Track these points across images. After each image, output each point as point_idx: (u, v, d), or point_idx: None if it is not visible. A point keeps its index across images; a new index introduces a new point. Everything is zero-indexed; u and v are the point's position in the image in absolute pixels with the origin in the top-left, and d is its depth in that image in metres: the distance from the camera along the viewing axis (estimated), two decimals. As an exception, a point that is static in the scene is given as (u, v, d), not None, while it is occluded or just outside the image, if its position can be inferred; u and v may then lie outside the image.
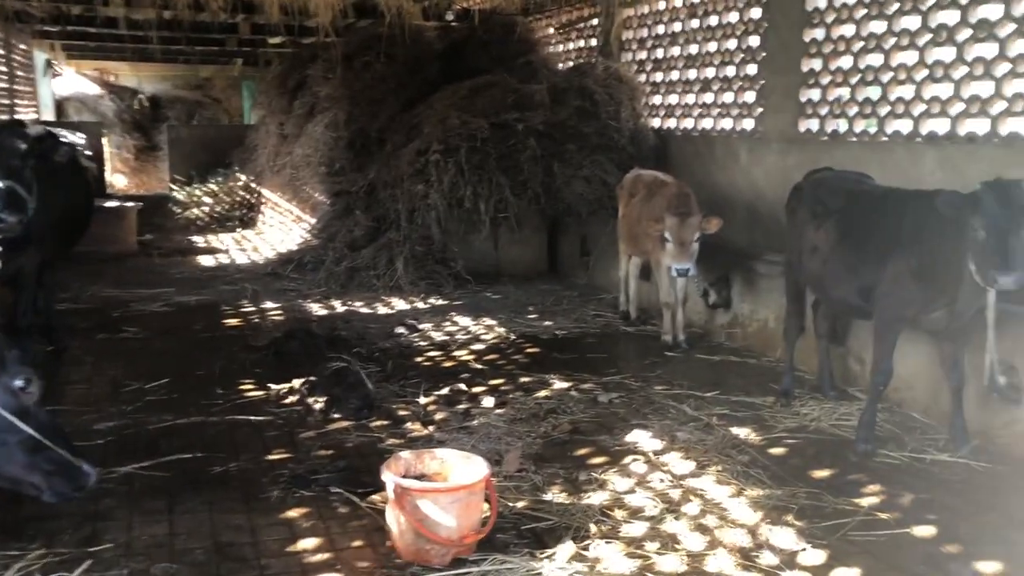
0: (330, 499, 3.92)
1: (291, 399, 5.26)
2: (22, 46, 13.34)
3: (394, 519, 3.35)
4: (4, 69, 11.89)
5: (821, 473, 4.21)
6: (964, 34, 5.46)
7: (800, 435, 4.69)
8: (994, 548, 3.44)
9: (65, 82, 18.14)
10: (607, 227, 8.14)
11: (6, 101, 11.82)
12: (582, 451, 4.50)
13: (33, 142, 5.10)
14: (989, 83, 5.32)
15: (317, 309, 7.77)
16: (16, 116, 11.57)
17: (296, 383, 5.39)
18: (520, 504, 3.88)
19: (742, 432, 4.70)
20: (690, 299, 6.64)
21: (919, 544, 3.49)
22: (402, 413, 5.05)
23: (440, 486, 3.33)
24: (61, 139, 5.97)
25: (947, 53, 5.59)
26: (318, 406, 5.11)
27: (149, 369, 5.77)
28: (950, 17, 5.58)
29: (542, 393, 5.38)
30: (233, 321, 7.36)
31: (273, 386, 5.45)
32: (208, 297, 8.22)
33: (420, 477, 3.56)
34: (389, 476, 3.34)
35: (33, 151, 5.05)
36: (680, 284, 6.36)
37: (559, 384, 5.55)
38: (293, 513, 3.78)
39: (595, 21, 10.10)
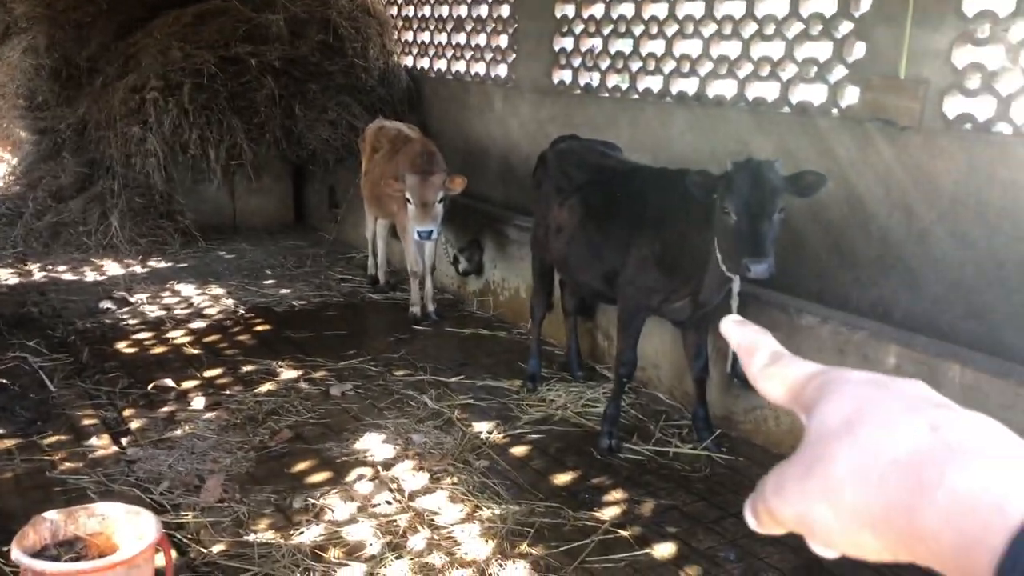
0: (-36, 564, 3.09)
1: (-57, 411, 4.26)
2: None
3: (30, 609, 2.61)
4: None
5: (563, 478, 3.88)
6: (714, -11, 5.20)
7: (544, 427, 4.34)
8: (733, 566, 3.25)
9: None
10: (357, 177, 7.43)
11: None
12: (302, 466, 3.91)
13: None
14: (736, 43, 5.11)
15: (7, 277, 6.55)
16: None
17: (-50, 389, 4.39)
18: (216, 548, 3.25)
19: (484, 428, 4.29)
20: (440, 265, 6.14)
21: (657, 568, 3.23)
22: (88, 423, 4.21)
23: (85, 567, 2.62)
24: None
25: (697, 8, 5.33)
26: (-25, 421, 4.15)
27: None
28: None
29: (265, 387, 4.70)
30: None
31: (-79, 392, 4.41)
32: None
33: (74, 542, 2.83)
34: (18, 554, 2.59)
35: None
36: (427, 249, 5.83)
37: (287, 373, 4.89)
38: (-94, 593, 2.93)
39: (343, -57, 9.13)
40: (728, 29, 5.13)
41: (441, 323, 5.83)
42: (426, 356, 5.22)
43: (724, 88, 5.24)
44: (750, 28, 5.00)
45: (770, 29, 4.88)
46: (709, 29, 5.24)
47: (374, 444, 4.10)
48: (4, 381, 4.39)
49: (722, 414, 4.34)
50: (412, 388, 4.73)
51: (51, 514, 2.85)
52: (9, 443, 3.97)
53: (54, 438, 4.05)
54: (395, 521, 3.45)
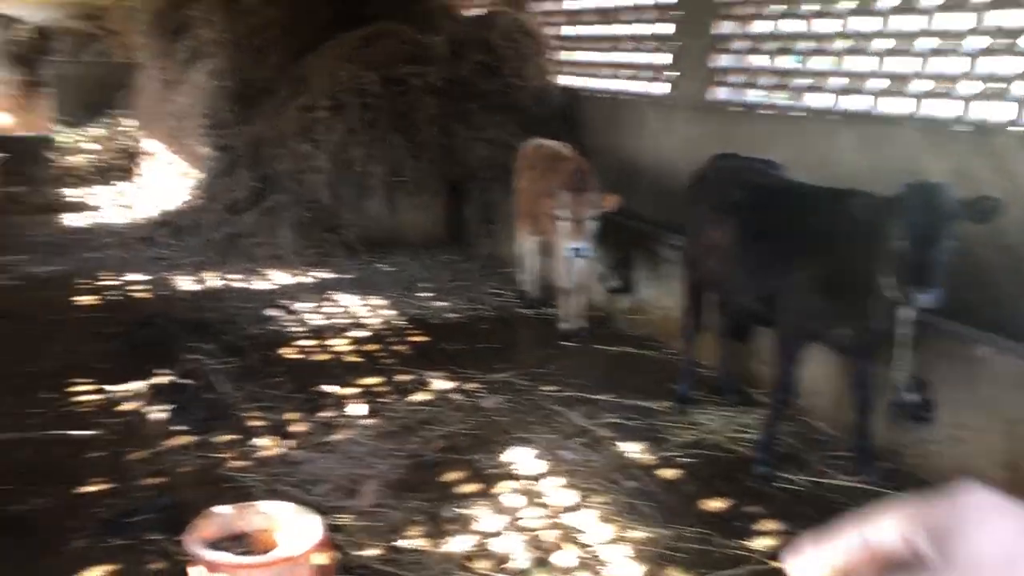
0: (145, 549, 3.33)
1: (130, 406, 4.61)
2: None
3: (201, 596, 2.79)
4: None
5: (714, 504, 3.78)
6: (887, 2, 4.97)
7: (695, 451, 4.25)
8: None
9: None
10: (511, 194, 7.55)
11: None
12: (453, 475, 3.99)
13: None
14: (910, 59, 4.87)
15: (188, 283, 7.05)
16: None
17: (138, 386, 4.74)
18: (369, 553, 3.37)
19: (633, 449, 4.25)
20: (590, 282, 6.14)
21: (814, 605, 3.09)
22: (256, 424, 4.46)
23: (255, 561, 2.77)
24: None
25: (871, 24, 5.11)
26: (158, 416, 4.47)
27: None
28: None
29: (419, 396, 4.84)
30: (88, 299, 6.58)
31: (111, 388, 4.79)
32: (66, 267, 7.39)
33: (242, 536, 3.00)
34: (192, 545, 2.77)
35: None
36: (578, 266, 5.84)
37: (440, 384, 5.01)
38: (96, 572, 3.19)
39: (504, -35, 9.34)
40: (902, 45, 4.90)
41: (590, 340, 5.83)
42: (574, 372, 5.23)
43: (894, 105, 5.00)
44: (925, 43, 4.76)
45: (948, 44, 4.62)
46: (881, 45, 5.02)
47: (522, 458, 4.13)
48: (185, 381, 4.71)
49: (887, 446, 4.12)
50: (560, 404, 4.75)
51: (222, 509, 3.03)
52: (186, 440, 4.26)
53: (225, 437, 4.31)
54: (542, 536, 3.46)
